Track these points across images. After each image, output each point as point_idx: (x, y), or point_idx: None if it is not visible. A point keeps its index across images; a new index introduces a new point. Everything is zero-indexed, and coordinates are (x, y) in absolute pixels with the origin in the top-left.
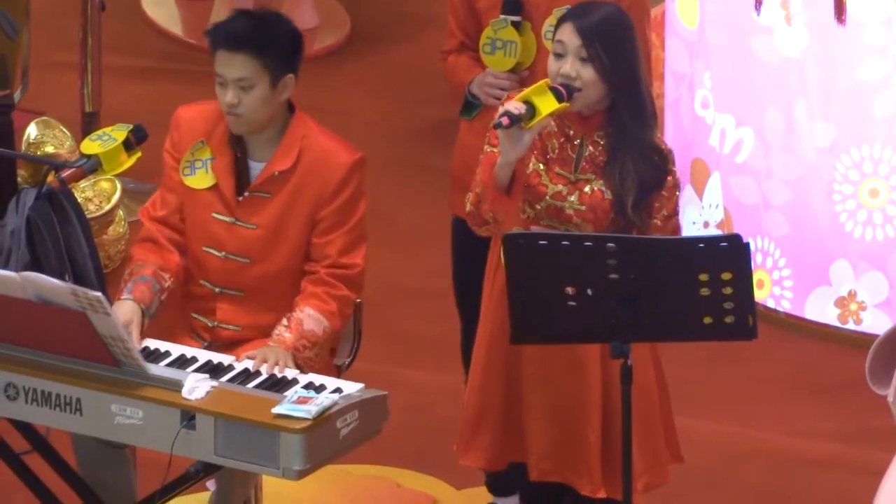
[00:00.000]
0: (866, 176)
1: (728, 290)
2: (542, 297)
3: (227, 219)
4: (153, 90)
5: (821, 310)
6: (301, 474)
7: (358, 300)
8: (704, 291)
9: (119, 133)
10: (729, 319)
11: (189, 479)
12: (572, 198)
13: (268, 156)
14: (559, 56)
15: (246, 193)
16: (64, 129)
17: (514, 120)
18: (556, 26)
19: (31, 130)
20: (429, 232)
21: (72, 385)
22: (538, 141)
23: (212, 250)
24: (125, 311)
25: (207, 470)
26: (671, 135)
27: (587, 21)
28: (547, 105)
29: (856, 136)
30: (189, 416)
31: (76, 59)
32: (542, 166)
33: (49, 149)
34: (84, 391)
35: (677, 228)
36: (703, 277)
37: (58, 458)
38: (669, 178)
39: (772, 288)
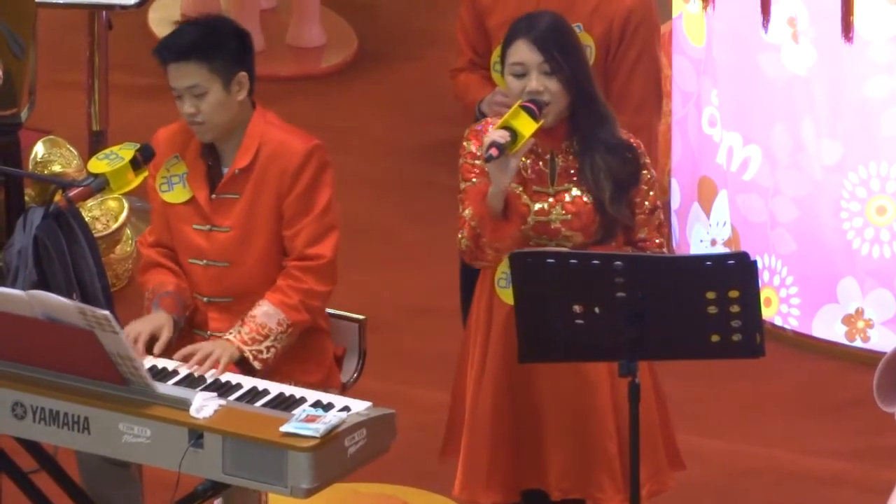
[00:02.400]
0: (873, 193)
1: (735, 308)
2: (550, 316)
3: (204, 227)
4: (160, 109)
5: (828, 327)
6: (309, 493)
7: (329, 290)
8: (712, 309)
9: (126, 152)
10: (736, 337)
11: (197, 498)
12: (556, 210)
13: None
14: (520, 76)
15: (213, 196)
16: (71, 148)
17: (502, 149)
18: (506, 46)
19: (39, 149)
20: (434, 250)
21: (79, 404)
22: None
23: (195, 261)
24: (157, 318)
25: (215, 488)
26: (678, 153)
27: (538, 34)
28: (526, 127)
29: (863, 154)
30: (197, 434)
31: (83, 78)
32: (520, 188)
33: (56, 168)
34: (92, 410)
35: (662, 222)
36: (711, 295)
37: (65, 477)
38: (644, 171)
39: (779, 306)
